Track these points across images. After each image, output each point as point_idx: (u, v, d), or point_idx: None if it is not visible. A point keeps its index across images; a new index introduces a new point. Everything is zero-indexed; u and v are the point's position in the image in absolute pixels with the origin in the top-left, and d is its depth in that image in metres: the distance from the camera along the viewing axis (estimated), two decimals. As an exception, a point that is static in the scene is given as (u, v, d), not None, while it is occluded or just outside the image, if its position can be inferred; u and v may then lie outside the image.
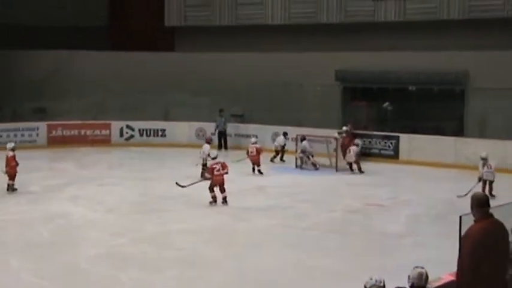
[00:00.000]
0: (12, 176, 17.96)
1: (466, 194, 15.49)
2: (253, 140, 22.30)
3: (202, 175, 18.82)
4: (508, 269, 7.04)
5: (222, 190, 16.67)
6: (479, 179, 17.57)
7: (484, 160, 17.83)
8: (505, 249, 6.97)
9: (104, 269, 11.59)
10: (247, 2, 30.24)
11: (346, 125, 24.52)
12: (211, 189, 16.67)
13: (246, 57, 29.02)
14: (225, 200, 16.66)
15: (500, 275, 6.84)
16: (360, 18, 27.77)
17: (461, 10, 25.66)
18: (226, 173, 16.86)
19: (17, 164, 17.99)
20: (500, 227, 6.89)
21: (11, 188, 17.97)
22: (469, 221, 6.22)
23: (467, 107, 25.05)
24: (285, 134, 24.50)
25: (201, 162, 20.53)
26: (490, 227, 6.74)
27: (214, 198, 16.63)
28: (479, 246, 6.60)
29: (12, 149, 18.26)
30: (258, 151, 21.63)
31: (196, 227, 14.61)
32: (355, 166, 22.10)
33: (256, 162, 21.46)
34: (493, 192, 16.87)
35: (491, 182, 17.49)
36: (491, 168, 17.64)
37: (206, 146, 20.94)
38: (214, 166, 16.87)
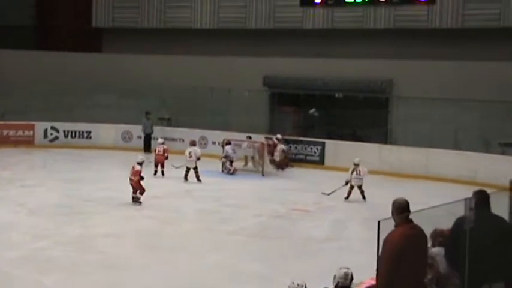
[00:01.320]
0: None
1: (330, 193, 18.52)
2: (160, 140, 22.59)
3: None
4: (426, 273, 7.21)
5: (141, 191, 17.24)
6: (346, 183, 18.64)
7: (356, 166, 18.64)
8: (424, 254, 7.13)
9: (26, 272, 11.35)
10: (176, 5, 30.17)
11: (276, 135, 24.44)
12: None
13: (174, 60, 28.95)
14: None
15: (419, 279, 6.99)
16: (288, 25, 28.02)
17: (387, 20, 26.18)
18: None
19: None
20: (419, 232, 7.02)
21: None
22: (387, 227, 6.35)
23: (391, 114, 25.55)
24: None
25: (193, 165, 20.84)
26: (409, 232, 6.87)
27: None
28: (399, 251, 6.72)
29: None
30: (165, 151, 21.63)
31: (121, 230, 14.47)
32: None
33: (161, 163, 21.51)
34: (365, 195, 18.43)
35: (360, 186, 18.52)
36: (359, 174, 18.54)
37: (196, 149, 21.43)
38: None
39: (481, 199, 7.32)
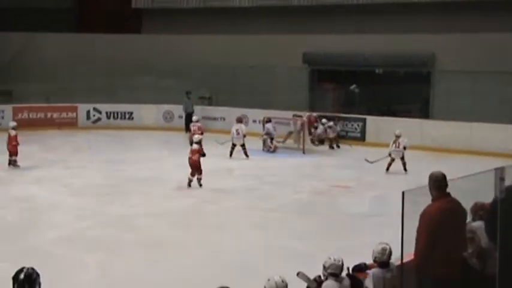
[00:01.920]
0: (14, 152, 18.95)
1: (373, 162, 18.93)
2: (194, 118, 22.82)
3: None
4: (466, 247, 7.12)
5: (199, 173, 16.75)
6: (389, 154, 18.81)
7: (397, 137, 18.77)
8: (462, 228, 7.05)
9: (68, 251, 11.50)
10: (215, -16, 30.11)
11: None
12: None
13: (213, 39, 28.95)
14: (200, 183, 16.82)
15: (458, 253, 6.91)
16: (327, 1, 27.77)
17: (428, -8, 25.79)
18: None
19: (18, 144, 18.98)
20: (456, 205, 6.95)
21: (12, 164, 18.93)
22: (410, 195, 6.28)
23: (433, 89, 25.23)
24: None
25: (241, 142, 21.19)
26: (446, 206, 6.80)
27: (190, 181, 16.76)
28: (436, 225, 6.66)
29: (13, 128, 19.29)
30: (199, 129, 21.65)
31: (161, 210, 14.55)
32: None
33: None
34: (407, 167, 18.55)
35: (402, 158, 18.67)
36: (398, 146, 18.65)
37: (242, 125, 21.75)
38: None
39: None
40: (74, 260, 11.06)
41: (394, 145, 18.72)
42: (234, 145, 21.34)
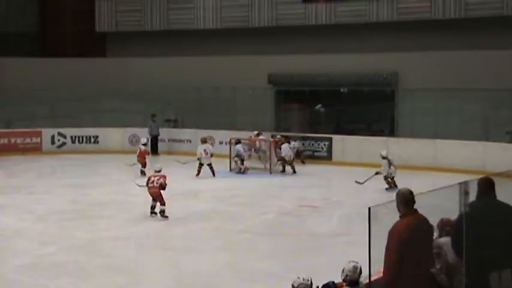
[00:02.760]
0: None
1: (364, 182, 18.70)
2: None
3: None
4: (433, 263, 7.13)
5: (160, 202, 15.63)
6: (377, 173, 19.01)
7: (387, 159, 19.08)
8: (430, 244, 7.06)
9: (32, 279, 11.29)
10: (179, 7, 30.08)
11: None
12: (153, 200, 15.79)
13: (178, 61, 28.93)
14: (162, 214, 15.59)
15: (426, 269, 6.92)
16: (291, 22, 27.94)
17: (390, 13, 26.10)
18: (162, 186, 15.49)
19: None
20: (424, 222, 6.96)
21: None
22: (376, 214, 6.29)
23: (397, 107, 25.45)
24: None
25: (209, 161, 21.60)
26: (414, 222, 6.80)
27: (152, 209, 15.76)
28: (405, 242, 6.65)
29: None
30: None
31: (128, 233, 14.42)
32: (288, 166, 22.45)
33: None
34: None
35: (393, 177, 18.96)
36: (394, 166, 19.10)
37: (209, 145, 22.19)
38: (151, 178, 15.81)
39: (486, 186, 7.23)
40: (38, 286, 10.89)
41: (391, 167, 19.12)
42: (201, 164, 21.54)
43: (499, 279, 7.13)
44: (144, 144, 22.55)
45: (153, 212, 15.74)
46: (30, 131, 27.68)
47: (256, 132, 24.21)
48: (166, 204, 15.63)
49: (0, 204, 17.56)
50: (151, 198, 15.76)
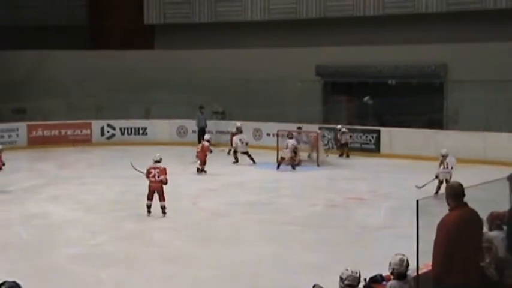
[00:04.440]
0: None
1: (422, 187, 16.64)
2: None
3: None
4: (483, 257, 7.07)
5: (161, 198, 15.06)
6: (436, 177, 16.82)
7: (443, 157, 17.09)
8: (479, 238, 7.00)
9: (84, 268, 11.50)
10: (227, -1, 30.24)
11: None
12: (148, 197, 15.09)
13: (226, 53, 29.01)
14: (163, 211, 14.99)
15: (475, 263, 6.86)
16: (339, 13, 27.83)
17: (439, 3, 25.82)
18: (163, 182, 14.98)
19: (3, 164, 18.05)
20: (474, 215, 6.92)
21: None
22: (424, 206, 6.25)
23: (446, 99, 25.17)
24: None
25: (245, 149, 22.30)
26: (464, 216, 6.76)
27: (149, 208, 15.04)
28: (454, 235, 6.62)
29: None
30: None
31: (176, 224, 14.56)
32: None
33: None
34: None
35: (447, 180, 15.97)
36: (447, 167, 16.88)
37: (243, 135, 22.69)
38: (151, 170, 15.16)
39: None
40: (90, 276, 11.07)
41: (441, 166, 16.99)
42: (236, 152, 22.60)
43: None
44: (208, 141, 21.73)
45: (149, 211, 15.03)
46: (80, 122, 28.08)
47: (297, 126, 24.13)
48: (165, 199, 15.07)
49: (52, 194, 17.90)
50: (147, 194, 15.07)
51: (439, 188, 16.46)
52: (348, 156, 23.99)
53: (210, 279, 10.80)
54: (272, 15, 29.31)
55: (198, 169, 20.89)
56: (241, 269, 11.28)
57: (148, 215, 14.97)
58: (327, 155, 23.36)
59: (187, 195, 17.29)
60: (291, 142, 21.97)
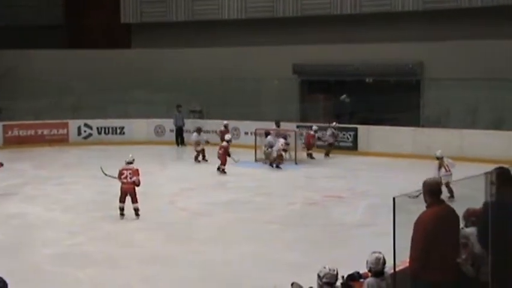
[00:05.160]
0: None
1: (418, 196, 15.71)
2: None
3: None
4: (459, 253, 7.13)
5: (133, 200, 14.77)
6: None
7: (440, 160, 16.40)
8: (456, 234, 7.06)
9: (62, 268, 11.47)
10: (203, -3, 30.22)
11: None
12: (120, 199, 14.78)
13: (203, 52, 29.00)
14: (136, 212, 14.73)
15: (452, 260, 6.92)
16: (316, 12, 27.92)
17: (415, 2, 26.03)
18: (136, 183, 14.70)
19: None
20: (451, 212, 6.98)
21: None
22: (401, 203, 6.30)
23: (423, 97, 25.33)
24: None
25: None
26: (441, 213, 6.82)
27: (122, 210, 14.74)
28: (431, 232, 6.67)
29: None
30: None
31: (155, 224, 14.52)
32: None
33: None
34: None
35: (448, 184, 14.51)
36: (449, 170, 16.10)
37: (281, 140, 21.97)
38: (123, 171, 14.86)
39: (505, 176, 7.21)
40: (68, 276, 11.04)
41: (441, 169, 16.12)
42: (198, 152, 22.60)
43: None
44: (228, 141, 21.26)
45: (122, 214, 14.74)
46: (57, 122, 27.92)
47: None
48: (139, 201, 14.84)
49: (29, 194, 17.81)
50: (119, 196, 14.79)
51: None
52: (327, 155, 24.02)
53: (190, 280, 10.81)
54: (249, 14, 29.34)
55: (218, 168, 20.72)
56: (221, 268, 11.29)
57: (121, 218, 14.73)
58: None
59: (166, 195, 17.27)
60: (282, 141, 21.99)
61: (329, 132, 23.99)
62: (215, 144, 22.26)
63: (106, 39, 32.41)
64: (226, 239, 13.29)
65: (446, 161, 16.42)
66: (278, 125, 24.10)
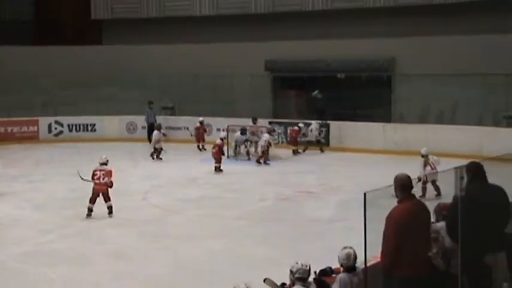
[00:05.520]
0: None
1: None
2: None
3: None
4: (430, 248, 7.18)
5: (106, 199, 14.63)
6: (419, 179, 14.37)
7: (425, 157, 16.12)
8: (427, 229, 7.11)
9: (32, 267, 11.35)
10: (175, -6, 30.08)
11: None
12: (91, 200, 14.55)
13: (175, 49, 28.88)
14: (110, 211, 14.60)
15: (424, 254, 6.96)
16: (288, 8, 27.93)
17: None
18: (108, 185, 14.49)
19: None
20: (422, 207, 7.02)
21: None
22: (372, 199, 6.32)
23: (394, 92, 25.46)
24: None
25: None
26: (412, 208, 6.86)
27: (90, 210, 14.51)
28: (403, 227, 6.70)
29: None
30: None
31: (126, 221, 14.44)
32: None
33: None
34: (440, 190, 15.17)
35: (434, 181, 15.24)
36: (434, 167, 15.94)
37: (266, 135, 21.78)
38: (96, 172, 14.66)
39: (477, 170, 7.29)
40: (39, 275, 10.94)
41: (426, 167, 15.96)
42: (156, 149, 22.55)
43: (494, 262, 7.21)
44: (222, 139, 21.26)
45: (89, 214, 14.50)
46: (27, 119, 27.67)
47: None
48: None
49: (-2, 192, 17.61)
50: (89, 197, 14.55)
51: (425, 189, 15.11)
52: (305, 150, 23.97)
53: (162, 276, 10.77)
54: (221, 10, 29.27)
55: (216, 168, 20.48)
56: (193, 265, 11.25)
57: (87, 217, 14.43)
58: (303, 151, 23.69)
59: (137, 192, 17.19)
60: (267, 136, 21.87)
61: (314, 127, 23.84)
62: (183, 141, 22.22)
63: (77, 35, 32.15)
64: (197, 236, 13.26)
65: (431, 158, 16.25)
66: (255, 122, 24.10)
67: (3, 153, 24.29)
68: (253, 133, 23.02)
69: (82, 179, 15.14)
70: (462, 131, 22.28)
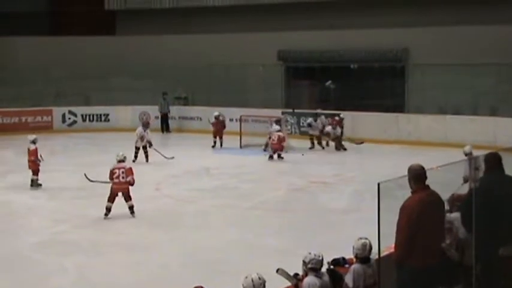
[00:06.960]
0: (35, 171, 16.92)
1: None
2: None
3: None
4: (444, 238, 7.16)
5: (127, 199, 13.88)
6: (465, 180, 11.16)
7: (470, 155, 13.42)
8: (441, 220, 7.08)
9: (47, 256, 11.42)
10: (188, -16, 30.06)
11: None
12: (109, 199, 13.74)
13: (188, 39, 28.91)
14: (131, 210, 13.84)
15: (437, 244, 6.94)
16: (301, -3, 27.85)
17: (401, -13, 25.96)
18: (130, 183, 13.75)
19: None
20: (436, 198, 6.98)
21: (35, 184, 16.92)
22: (386, 189, 6.30)
23: (408, 83, 25.37)
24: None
25: (142, 145, 20.50)
26: (426, 199, 6.81)
27: (108, 210, 13.70)
28: (416, 218, 6.67)
29: (34, 142, 17.29)
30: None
31: (140, 211, 14.41)
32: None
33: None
34: None
35: None
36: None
37: (275, 127, 21.19)
38: (115, 170, 13.88)
39: (494, 161, 7.25)
40: (53, 264, 10.99)
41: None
42: (137, 148, 20.59)
43: (508, 253, 7.18)
44: (280, 130, 20.87)
45: (107, 214, 13.71)
46: (41, 109, 27.79)
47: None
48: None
49: (13, 182, 17.71)
50: (108, 196, 13.77)
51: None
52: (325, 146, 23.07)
53: (176, 266, 10.80)
54: (234, 0, 29.23)
55: (278, 155, 20.33)
56: (205, 255, 11.25)
57: (105, 218, 13.73)
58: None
59: (151, 183, 17.19)
60: (277, 128, 21.26)
61: (320, 120, 23.04)
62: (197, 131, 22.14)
63: (90, 26, 32.18)
64: (211, 226, 13.31)
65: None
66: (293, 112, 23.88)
67: (17, 143, 24.27)
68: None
69: (90, 181, 14.92)
70: (477, 121, 22.17)
